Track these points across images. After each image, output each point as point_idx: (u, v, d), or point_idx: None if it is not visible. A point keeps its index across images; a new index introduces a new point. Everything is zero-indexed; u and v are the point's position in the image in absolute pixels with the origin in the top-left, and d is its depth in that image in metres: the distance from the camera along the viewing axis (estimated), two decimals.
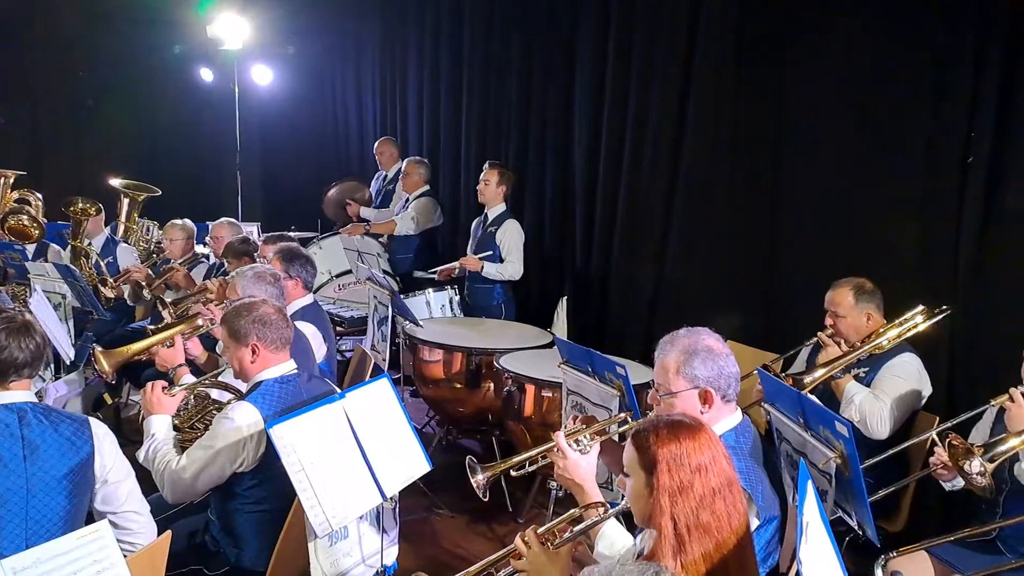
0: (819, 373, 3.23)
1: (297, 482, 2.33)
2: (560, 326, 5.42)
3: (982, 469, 2.38)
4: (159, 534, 2.35)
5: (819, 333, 3.44)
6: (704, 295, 4.60)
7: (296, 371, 2.82)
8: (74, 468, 2.24)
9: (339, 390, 2.71)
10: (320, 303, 4.20)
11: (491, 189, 5.32)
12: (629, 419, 2.61)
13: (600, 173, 5.34)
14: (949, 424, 2.69)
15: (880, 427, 3.15)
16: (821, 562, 1.64)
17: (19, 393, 2.26)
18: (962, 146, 3.46)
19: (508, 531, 3.96)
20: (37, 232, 6.01)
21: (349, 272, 5.88)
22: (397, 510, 2.81)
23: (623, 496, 2.00)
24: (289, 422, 2.37)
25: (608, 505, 2.19)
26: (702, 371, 2.27)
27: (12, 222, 5.99)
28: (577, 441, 2.45)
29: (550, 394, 3.79)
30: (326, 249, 6.06)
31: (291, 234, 6.08)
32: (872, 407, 3.17)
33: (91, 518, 2.32)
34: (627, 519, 2.12)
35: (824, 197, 4.02)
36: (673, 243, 4.89)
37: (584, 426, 2.52)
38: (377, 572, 2.58)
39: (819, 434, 2.38)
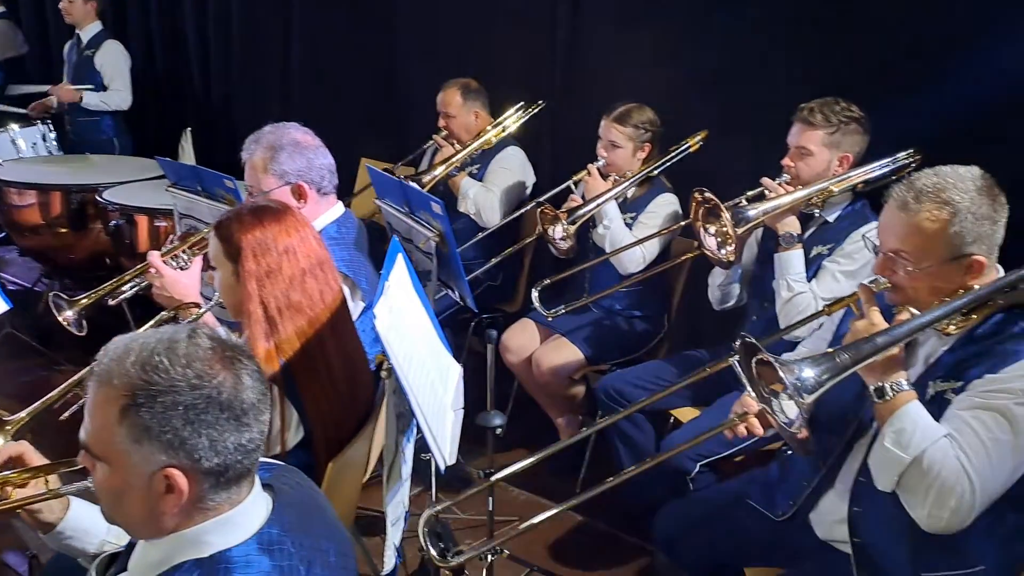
0: (437, 172, 3.34)
1: None
2: (187, 160, 4.98)
3: (564, 234, 2.66)
4: None
5: (434, 135, 3.54)
6: (333, 117, 4.45)
7: None
8: None
9: None
10: None
11: (77, 6, 4.68)
12: None
13: None
14: (543, 198, 2.93)
15: (492, 216, 3.36)
16: (403, 318, 1.71)
17: None
18: None
19: None
20: None
21: None
22: None
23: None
24: None
25: (204, 304, 2.09)
26: (290, 165, 2.21)
27: None
28: (176, 257, 2.31)
29: (165, 224, 3.50)
30: None
31: None
32: (484, 198, 3.37)
33: None
34: None
35: (434, 10, 4.03)
36: (296, 62, 4.64)
37: (181, 242, 2.37)
38: None
39: (420, 218, 2.46)
